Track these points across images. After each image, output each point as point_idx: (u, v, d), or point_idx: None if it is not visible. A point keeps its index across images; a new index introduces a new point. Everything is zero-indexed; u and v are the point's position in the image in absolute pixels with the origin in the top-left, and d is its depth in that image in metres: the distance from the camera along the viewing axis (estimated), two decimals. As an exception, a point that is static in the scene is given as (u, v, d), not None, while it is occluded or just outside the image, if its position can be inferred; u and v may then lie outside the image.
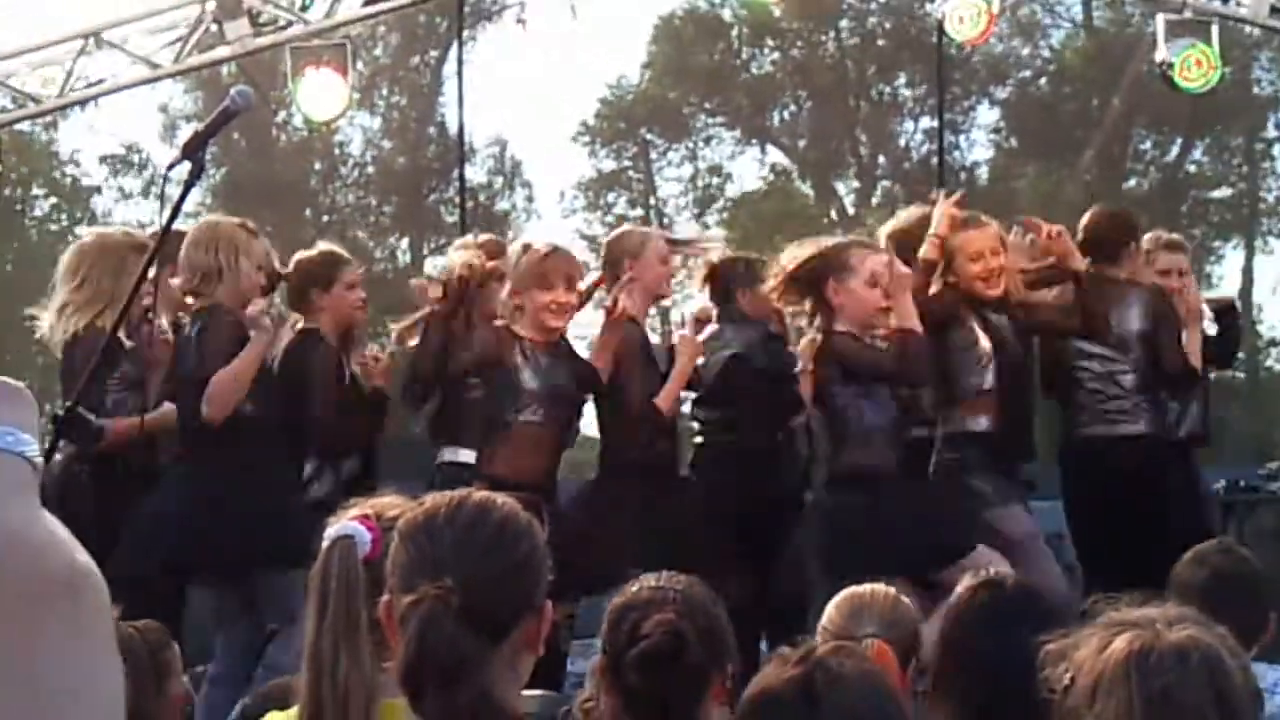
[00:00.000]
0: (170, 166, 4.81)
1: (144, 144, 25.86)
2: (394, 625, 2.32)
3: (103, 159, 25.97)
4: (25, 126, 15.79)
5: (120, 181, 26.08)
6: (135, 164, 25.89)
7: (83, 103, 11.00)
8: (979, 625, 3.05)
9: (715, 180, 28.19)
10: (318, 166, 27.02)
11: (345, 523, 2.71)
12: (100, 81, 9.87)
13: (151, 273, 4.74)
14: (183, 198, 4.74)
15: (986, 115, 26.61)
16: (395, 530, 2.46)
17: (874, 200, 27.23)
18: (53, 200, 24.76)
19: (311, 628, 2.67)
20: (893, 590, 3.89)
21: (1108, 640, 2.08)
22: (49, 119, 21.71)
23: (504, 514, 2.41)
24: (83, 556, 0.55)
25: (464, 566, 2.30)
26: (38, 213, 25.96)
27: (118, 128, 26.17)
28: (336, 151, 26.82)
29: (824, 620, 3.69)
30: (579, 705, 3.20)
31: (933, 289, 6.10)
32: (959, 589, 3.22)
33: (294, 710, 2.89)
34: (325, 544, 2.69)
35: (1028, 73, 26.83)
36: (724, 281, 6.63)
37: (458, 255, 6.09)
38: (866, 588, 3.88)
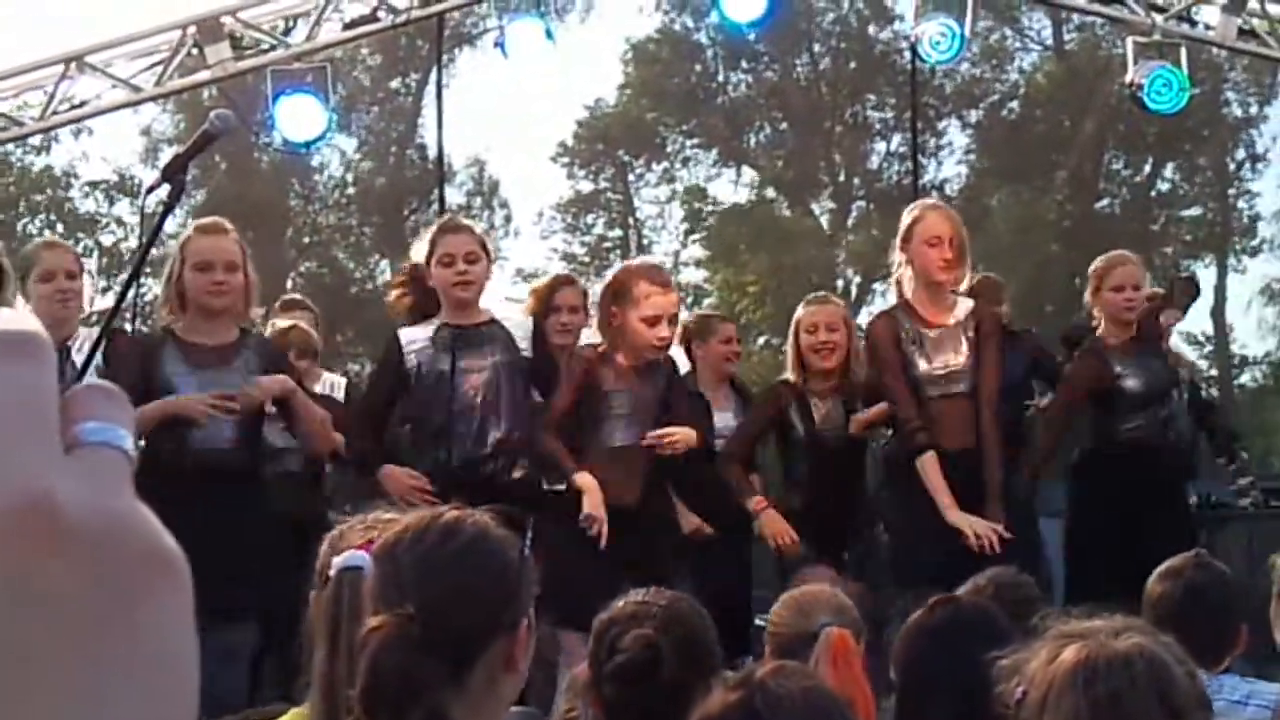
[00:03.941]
0: (150, 189, 4.82)
1: (135, 170, 25.68)
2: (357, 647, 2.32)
3: (94, 184, 25.83)
4: (11, 148, 15.75)
5: (115, 210, 25.88)
6: (127, 190, 25.71)
7: (67, 125, 11.00)
8: (935, 644, 3.06)
9: (693, 201, 28.22)
10: (298, 188, 27.00)
11: (351, 553, 2.70)
12: (83, 104, 9.87)
13: (131, 294, 4.75)
14: (162, 219, 4.75)
15: (958, 137, 26.70)
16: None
17: (849, 220, 27.31)
18: (60, 228, 24.47)
19: (323, 657, 2.66)
20: (826, 585, 3.96)
21: (1056, 652, 2.10)
22: (41, 141, 21.72)
23: (472, 533, 2.39)
24: (171, 541, 0.60)
25: (424, 590, 2.29)
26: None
27: (108, 153, 25.85)
28: (317, 173, 26.81)
29: (771, 626, 3.74)
30: (560, 716, 3.21)
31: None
32: (916, 613, 3.24)
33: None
34: (332, 574, 2.69)
35: (998, 95, 26.92)
36: (685, 339, 7.27)
37: None
38: (804, 587, 3.97)
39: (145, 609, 0.58)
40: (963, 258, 6.30)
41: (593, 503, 5.70)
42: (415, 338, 5.91)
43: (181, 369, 5.51)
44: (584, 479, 5.76)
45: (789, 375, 6.79)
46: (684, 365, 7.08)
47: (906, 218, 6.47)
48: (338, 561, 2.67)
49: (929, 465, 6.14)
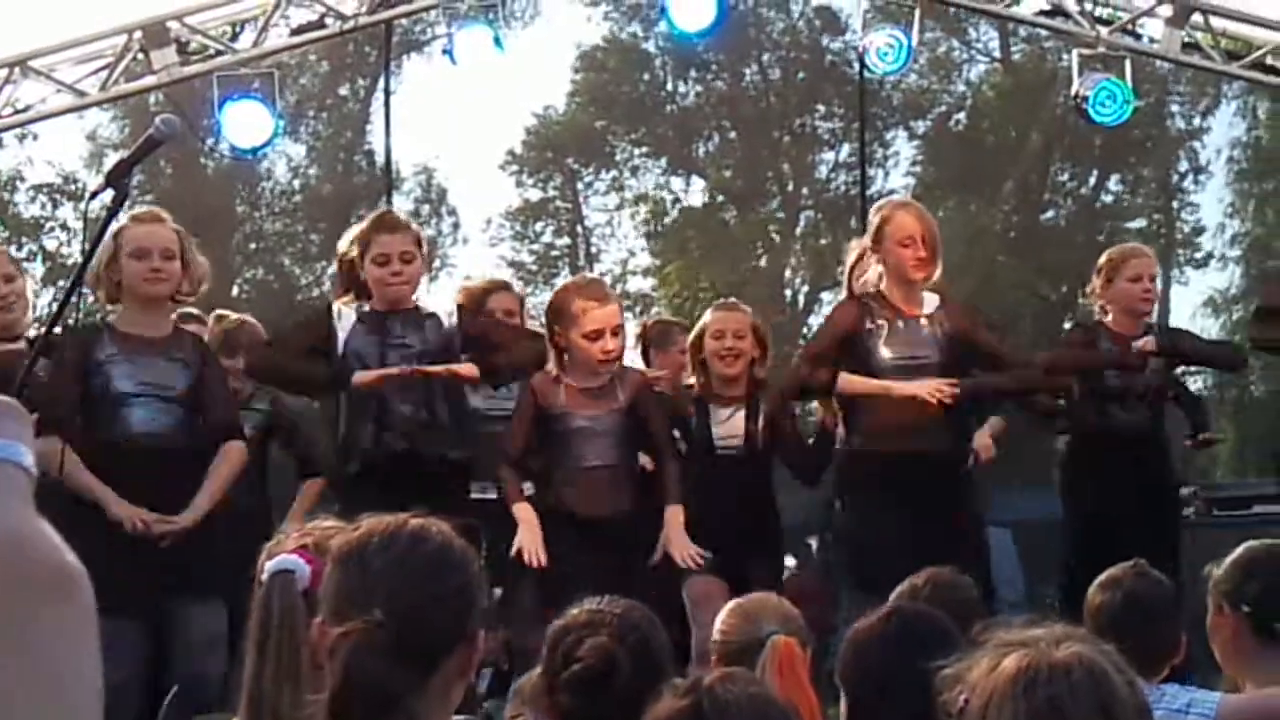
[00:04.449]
0: (94, 194, 4.79)
1: (80, 174, 25.50)
2: (324, 650, 2.30)
3: (39, 188, 25.63)
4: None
5: (60, 214, 25.67)
6: (72, 194, 25.51)
7: (11, 129, 10.91)
8: (886, 653, 3.07)
9: (641, 208, 28.24)
10: (244, 194, 26.88)
11: (284, 556, 2.68)
12: (28, 108, 9.80)
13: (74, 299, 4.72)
14: (106, 224, 4.72)
15: (906, 148, 26.84)
16: (329, 554, 2.45)
17: (798, 229, 27.39)
18: (3, 232, 24.27)
19: (251, 662, 2.64)
20: (772, 595, 3.98)
21: (997, 660, 2.12)
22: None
23: (439, 542, 2.39)
24: (72, 558, 0.61)
25: (395, 597, 2.28)
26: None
27: (53, 157, 25.63)
28: (264, 179, 26.70)
29: (718, 634, 3.75)
30: (510, 726, 3.20)
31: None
32: (861, 620, 3.25)
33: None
34: (264, 577, 2.66)
35: (946, 106, 27.08)
36: (644, 344, 7.37)
37: None
38: (751, 596, 4.00)
39: (39, 626, 0.58)
40: (935, 255, 6.28)
41: (527, 537, 5.78)
42: (345, 315, 6.01)
43: (114, 353, 5.52)
44: (521, 510, 5.86)
45: (689, 381, 6.63)
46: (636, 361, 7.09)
47: (875, 217, 6.43)
48: (270, 565, 2.65)
49: (848, 379, 6.23)
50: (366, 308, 5.97)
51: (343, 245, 6.08)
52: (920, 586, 3.96)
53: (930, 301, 6.34)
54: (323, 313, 6.14)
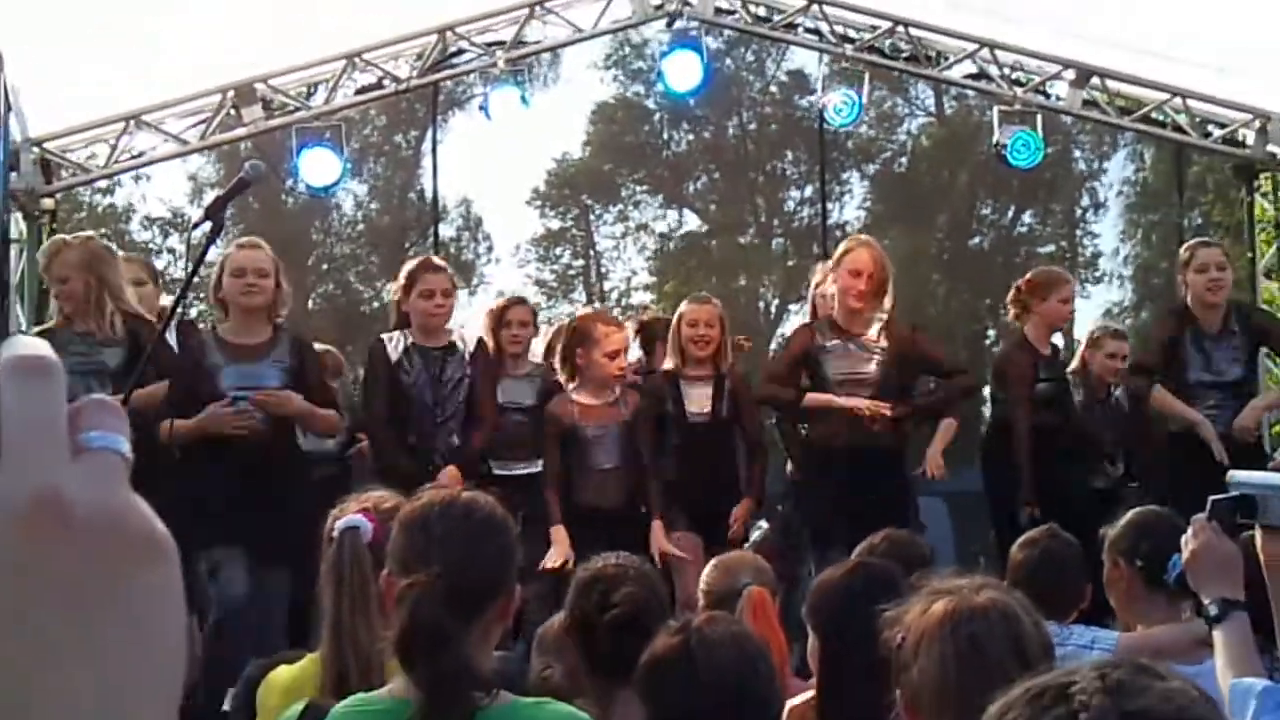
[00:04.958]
0: (195, 225, 4.81)
1: (184, 209, 25.42)
2: (392, 599, 2.31)
3: (150, 220, 25.61)
4: (82, 191, 15.59)
5: (167, 242, 25.66)
6: (177, 225, 25.47)
7: (128, 172, 10.90)
8: (844, 598, 3.07)
9: (642, 236, 28.21)
10: (317, 224, 26.84)
11: (350, 516, 2.71)
12: (141, 154, 9.80)
13: (179, 310, 4.72)
14: (206, 249, 4.72)
15: (858, 186, 26.80)
16: (395, 519, 2.46)
17: (770, 254, 27.34)
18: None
19: (331, 602, 2.65)
20: (747, 553, 3.99)
21: (928, 605, 2.12)
22: (106, 185, 21.49)
23: (486, 511, 2.41)
24: (162, 528, 0.60)
25: (451, 554, 2.30)
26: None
27: (161, 194, 25.58)
28: (332, 213, 26.66)
29: (703, 584, 3.76)
30: (538, 674, 3.18)
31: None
32: (827, 571, 3.25)
33: (300, 664, 2.87)
34: (335, 534, 2.68)
35: (890, 152, 27.04)
36: (646, 337, 7.26)
37: None
38: (730, 553, 4.01)
39: (138, 584, 0.59)
40: (880, 290, 6.19)
41: (558, 553, 5.79)
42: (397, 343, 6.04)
43: (221, 361, 5.52)
44: (557, 533, 5.89)
45: (668, 363, 6.58)
46: (635, 353, 7.07)
47: (841, 247, 6.39)
48: (339, 524, 2.67)
49: (810, 397, 6.24)
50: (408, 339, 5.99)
51: (393, 291, 6.16)
52: (878, 544, 3.94)
53: (875, 324, 6.25)
54: (378, 350, 6.13)
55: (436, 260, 6.37)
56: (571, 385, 6.12)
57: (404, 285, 6.02)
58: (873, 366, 6.21)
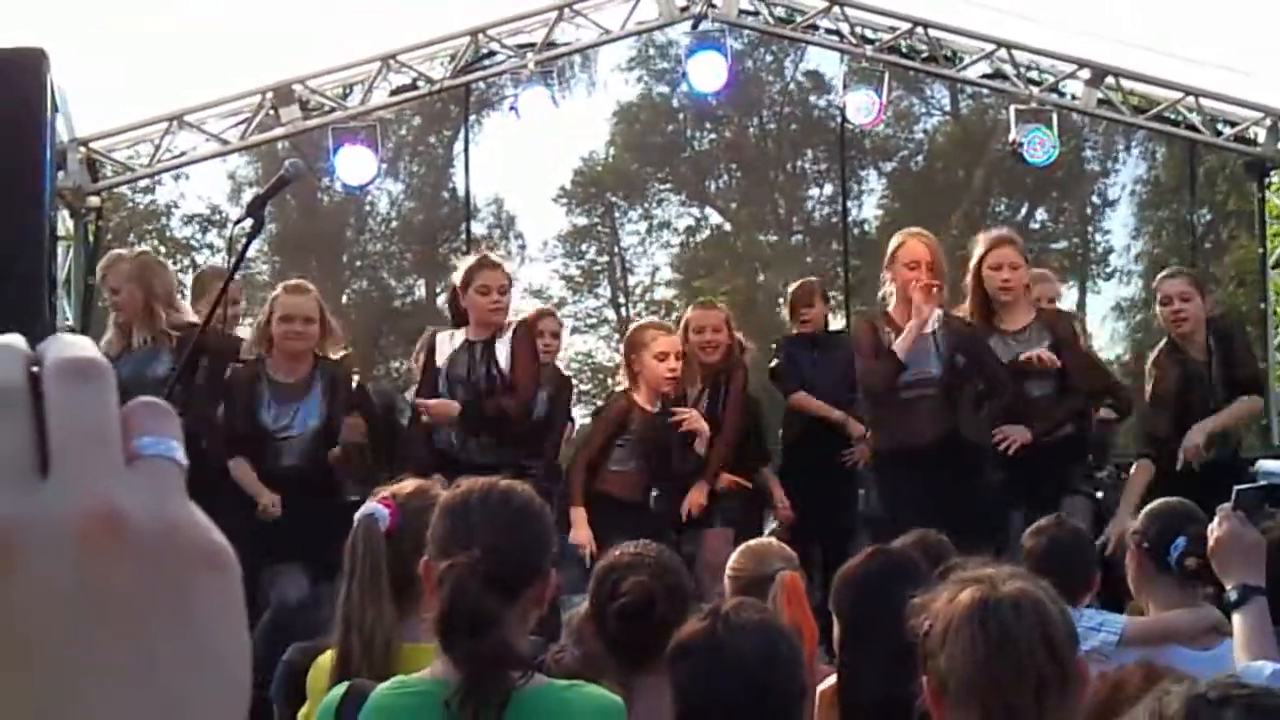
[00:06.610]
0: (236, 222, 4.81)
1: (223, 206, 25.53)
2: (431, 583, 2.31)
3: (190, 217, 25.72)
4: (125, 189, 15.64)
5: (207, 238, 25.77)
6: (217, 221, 25.58)
7: (170, 170, 10.93)
8: (861, 586, 3.05)
9: (665, 233, 28.19)
10: (352, 222, 26.88)
11: (369, 504, 2.70)
12: (182, 154, 9.82)
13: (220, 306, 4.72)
14: (245, 247, 4.72)
15: (876, 184, 26.71)
16: (438, 505, 2.46)
17: (791, 251, 27.29)
18: (162, 251, 24.27)
19: (344, 587, 2.65)
20: (773, 540, 3.95)
21: (955, 593, 2.09)
22: (149, 183, 21.56)
23: (523, 498, 2.41)
24: (219, 537, 0.57)
25: (490, 539, 2.29)
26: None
27: (201, 192, 25.64)
28: (367, 210, 26.70)
29: (731, 570, 3.74)
30: (551, 656, 3.18)
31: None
32: (850, 560, 3.23)
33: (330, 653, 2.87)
34: (355, 522, 2.68)
35: (908, 151, 26.95)
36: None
37: None
38: (757, 540, 3.97)
39: (197, 599, 0.56)
40: (939, 278, 5.89)
41: (580, 534, 5.84)
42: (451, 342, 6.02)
43: (266, 398, 5.75)
44: (577, 513, 5.91)
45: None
46: None
47: (893, 243, 6.04)
48: (359, 512, 2.66)
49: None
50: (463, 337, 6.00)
51: (455, 280, 6.12)
52: (912, 543, 3.89)
53: (933, 318, 5.89)
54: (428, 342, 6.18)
55: (494, 256, 6.28)
56: (635, 392, 6.15)
57: (461, 282, 5.98)
58: (934, 363, 5.91)
